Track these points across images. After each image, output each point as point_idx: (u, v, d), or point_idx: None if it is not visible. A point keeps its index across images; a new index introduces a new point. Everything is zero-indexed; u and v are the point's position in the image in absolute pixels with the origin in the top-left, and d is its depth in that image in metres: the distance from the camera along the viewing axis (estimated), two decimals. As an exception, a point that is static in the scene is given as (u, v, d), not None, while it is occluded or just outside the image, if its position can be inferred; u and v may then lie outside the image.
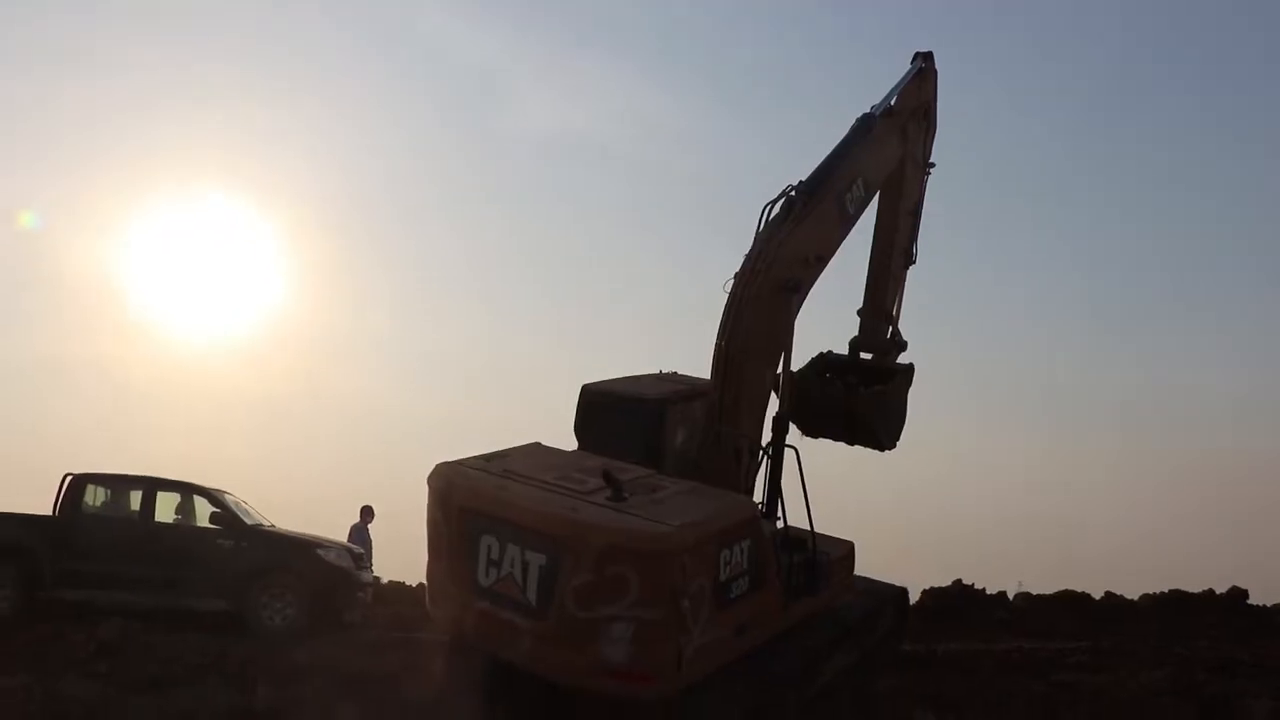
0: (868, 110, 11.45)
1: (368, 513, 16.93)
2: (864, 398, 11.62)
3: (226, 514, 14.15)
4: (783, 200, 10.09)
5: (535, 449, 9.50)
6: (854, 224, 11.06)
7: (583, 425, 10.09)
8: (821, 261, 10.36)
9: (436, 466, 8.91)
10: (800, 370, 11.86)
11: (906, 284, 12.94)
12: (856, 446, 12.25)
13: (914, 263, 12.93)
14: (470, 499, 8.37)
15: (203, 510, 14.23)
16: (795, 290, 9.82)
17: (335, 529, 16.59)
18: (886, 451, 12.28)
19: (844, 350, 12.75)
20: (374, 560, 16.68)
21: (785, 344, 9.88)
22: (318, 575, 13.94)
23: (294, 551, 14.17)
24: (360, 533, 16.65)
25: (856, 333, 12.70)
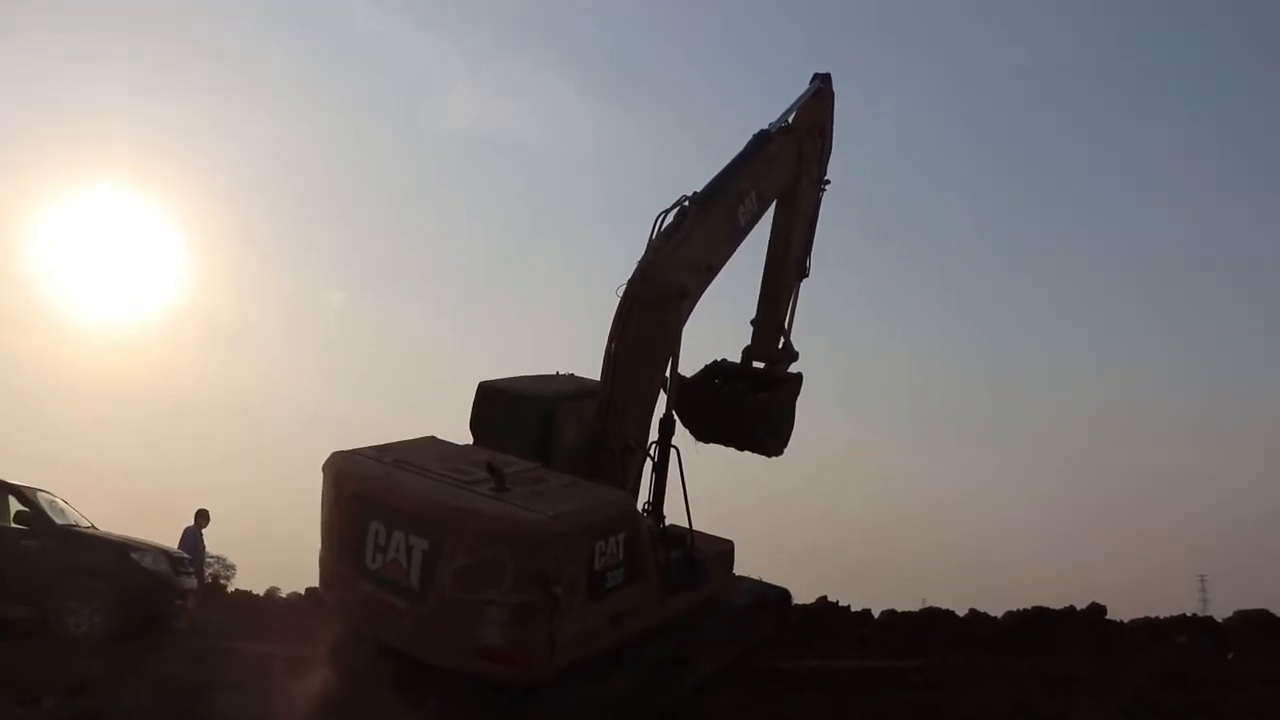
0: (765, 127, 11.99)
1: (202, 516, 16.75)
2: (751, 404, 12.30)
3: (34, 513, 13.76)
4: (676, 210, 10.59)
5: (428, 442, 10.01)
6: (746, 235, 11.84)
7: (477, 421, 10.63)
8: (712, 270, 11.06)
9: (331, 455, 9.46)
10: (692, 377, 12.51)
11: (800, 297, 13.55)
12: (747, 453, 12.80)
13: (807, 276, 13.83)
14: (361, 486, 8.92)
15: (15, 509, 13.78)
16: (684, 296, 10.51)
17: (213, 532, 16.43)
18: (774, 458, 12.83)
19: (738, 359, 13.25)
20: (205, 565, 16.85)
21: (673, 348, 10.55)
22: (130, 580, 13.60)
23: (104, 554, 13.84)
24: (191, 537, 16.46)
25: (750, 342, 13.21)
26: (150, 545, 14.38)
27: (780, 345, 13.76)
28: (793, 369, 13.86)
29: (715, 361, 13.53)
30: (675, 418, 10.95)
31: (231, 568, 39.96)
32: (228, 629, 15.16)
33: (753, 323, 13.73)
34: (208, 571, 18.80)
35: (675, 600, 10.15)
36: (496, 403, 10.83)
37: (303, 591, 17.33)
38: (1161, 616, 17.21)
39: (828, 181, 14.16)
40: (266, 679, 10.16)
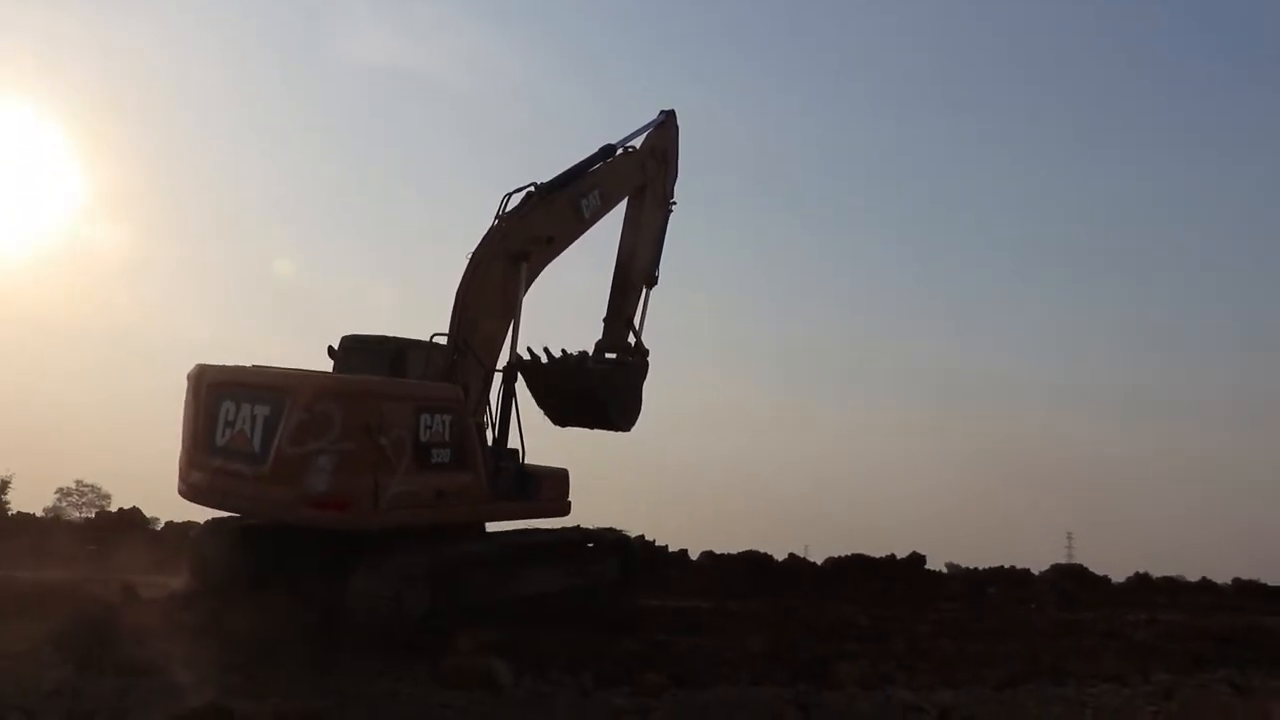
0: (612, 143, 13.83)
1: None
2: (596, 370, 13.66)
3: None
4: (524, 193, 12.28)
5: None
6: (589, 226, 13.93)
7: (337, 364, 11.91)
8: (553, 244, 13.00)
9: (195, 365, 10.65)
10: (547, 362, 13.78)
11: (650, 303, 15.20)
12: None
13: (656, 284, 15.46)
14: (218, 375, 10.52)
15: None
16: (524, 259, 12.03)
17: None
18: (623, 433, 14.16)
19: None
20: None
21: (514, 307, 11.99)
22: None
23: None
24: None
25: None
26: None
27: (630, 342, 15.41)
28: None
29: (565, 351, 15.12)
30: (518, 371, 12.56)
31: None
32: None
33: (604, 320, 15.42)
34: None
35: (504, 506, 11.53)
36: (354, 349, 12.44)
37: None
38: (980, 568, 18.57)
39: (674, 203, 16.22)
40: None
